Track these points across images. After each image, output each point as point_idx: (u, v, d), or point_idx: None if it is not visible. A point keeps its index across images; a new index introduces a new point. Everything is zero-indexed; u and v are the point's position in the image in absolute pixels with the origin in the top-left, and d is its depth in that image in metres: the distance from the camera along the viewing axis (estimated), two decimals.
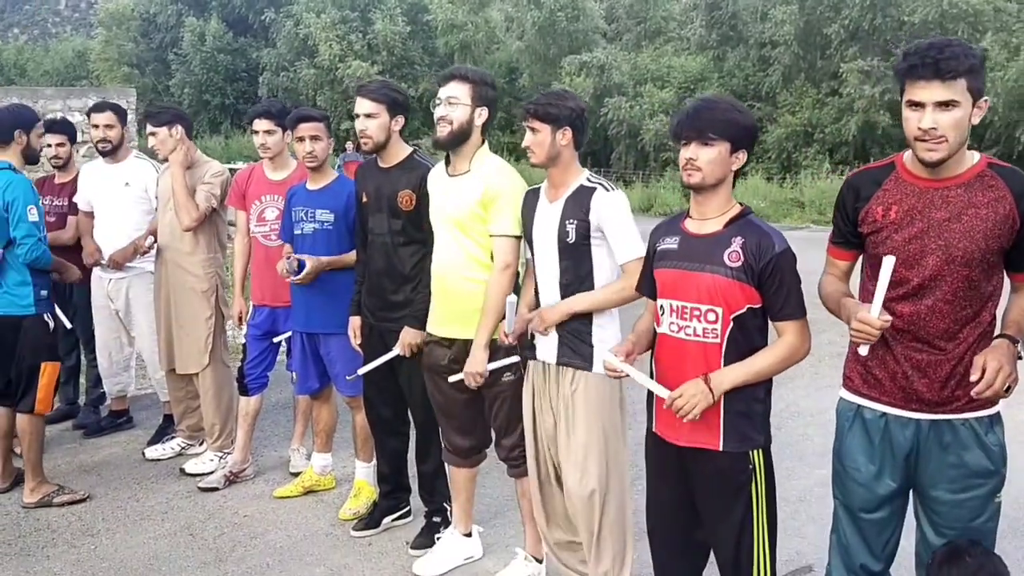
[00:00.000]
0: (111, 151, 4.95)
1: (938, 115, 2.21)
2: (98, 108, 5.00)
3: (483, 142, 3.32)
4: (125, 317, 5.11)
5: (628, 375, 2.64)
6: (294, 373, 4.42)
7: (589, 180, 3.06)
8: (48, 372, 4.24)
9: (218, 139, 32.58)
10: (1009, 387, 2.22)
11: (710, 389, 2.45)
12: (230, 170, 4.92)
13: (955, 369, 2.36)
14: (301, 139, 3.98)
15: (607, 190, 3.02)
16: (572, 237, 2.99)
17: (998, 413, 2.43)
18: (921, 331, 2.37)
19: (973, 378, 2.22)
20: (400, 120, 3.59)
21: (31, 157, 4.35)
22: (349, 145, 22.93)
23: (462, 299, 3.31)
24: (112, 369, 5.26)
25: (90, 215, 5.11)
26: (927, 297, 2.34)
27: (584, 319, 3.03)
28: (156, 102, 33.11)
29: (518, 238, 3.24)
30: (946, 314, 2.33)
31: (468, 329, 3.29)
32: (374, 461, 4.19)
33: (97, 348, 5.24)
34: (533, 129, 3.03)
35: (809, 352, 2.57)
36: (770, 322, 2.55)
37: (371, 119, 3.54)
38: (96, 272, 5.07)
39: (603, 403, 3.05)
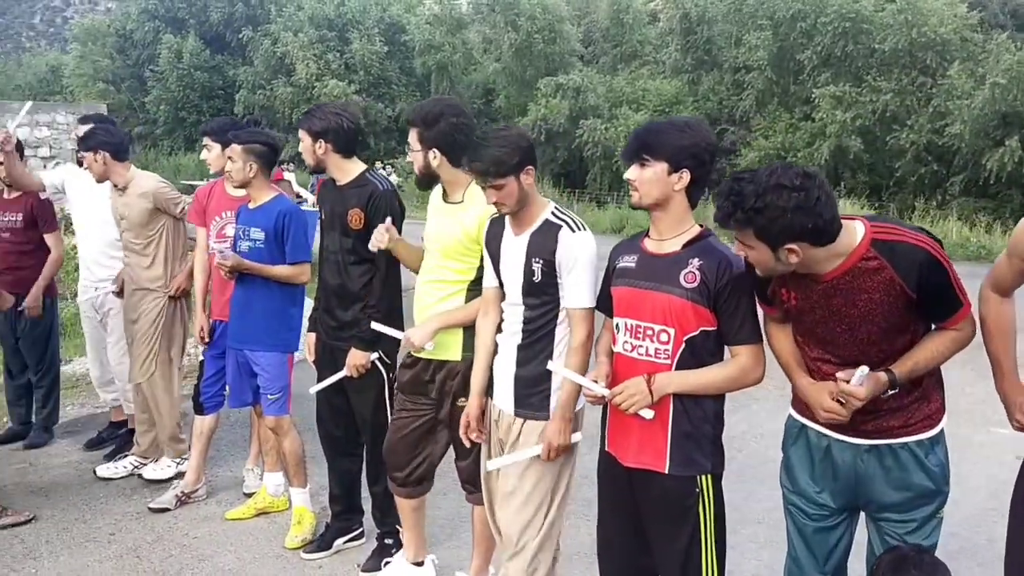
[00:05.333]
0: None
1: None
2: (82, 121, 5.23)
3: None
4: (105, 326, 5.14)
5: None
6: (227, 386, 4.40)
7: (555, 214, 2.84)
8: None
9: (192, 156, 32.37)
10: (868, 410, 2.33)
11: (650, 390, 2.46)
12: (191, 186, 4.93)
13: (886, 404, 2.37)
14: None
15: (573, 230, 2.78)
16: (538, 276, 2.80)
17: (940, 432, 2.44)
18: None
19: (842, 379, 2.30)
20: (323, 145, 3.60)
21: None
22: None
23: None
24: (104, 378, 5.30)
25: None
26: (849, 363, 2.35)
27: (544, 370, 2.84)
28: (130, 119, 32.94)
29: None
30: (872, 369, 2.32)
31: (439, 352, 3.24)
32: (309, 485, 4.19)
33: (88, 359, 5.36)
34: (496, 187, 2.77)
35: (762, 379, 2.54)
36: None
37: (301, 143, 3.67)
38: (81, 283, 5.20)
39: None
